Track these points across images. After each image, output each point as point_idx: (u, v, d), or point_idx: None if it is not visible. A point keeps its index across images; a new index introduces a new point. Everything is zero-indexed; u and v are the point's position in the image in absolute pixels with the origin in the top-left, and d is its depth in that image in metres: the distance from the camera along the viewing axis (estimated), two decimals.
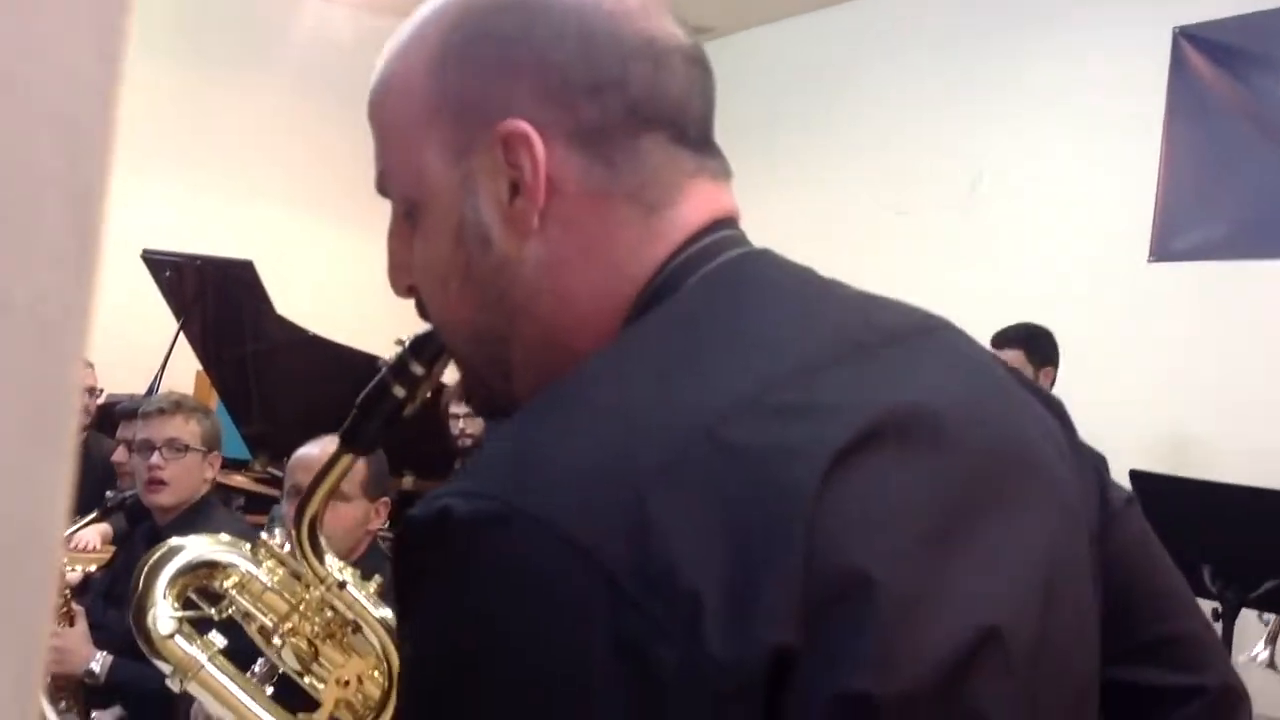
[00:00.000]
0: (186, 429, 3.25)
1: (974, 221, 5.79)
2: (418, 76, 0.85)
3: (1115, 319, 5.08)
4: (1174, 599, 0.97)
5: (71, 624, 2.84)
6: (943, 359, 0.85)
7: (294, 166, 7.03)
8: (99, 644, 2.85)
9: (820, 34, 6.75)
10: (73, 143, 0.36)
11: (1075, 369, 4.31)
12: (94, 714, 2.91)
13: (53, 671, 2.78)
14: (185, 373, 5.61)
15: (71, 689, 2.88)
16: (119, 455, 4.16)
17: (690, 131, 0.84)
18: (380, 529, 2.98)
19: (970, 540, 0.75)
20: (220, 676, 1.50)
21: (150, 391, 4.88)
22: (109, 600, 3.07)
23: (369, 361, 1.11)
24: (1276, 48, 4.80)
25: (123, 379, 5.21)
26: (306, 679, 1.49)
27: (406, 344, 1.06)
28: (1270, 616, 3.56)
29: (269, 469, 4.92)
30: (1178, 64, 5.08)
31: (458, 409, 4.13)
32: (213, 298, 4.92)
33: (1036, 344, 4.18)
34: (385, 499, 2.96)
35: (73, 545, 4.01)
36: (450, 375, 0.96)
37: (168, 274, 4.98)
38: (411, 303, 0.92)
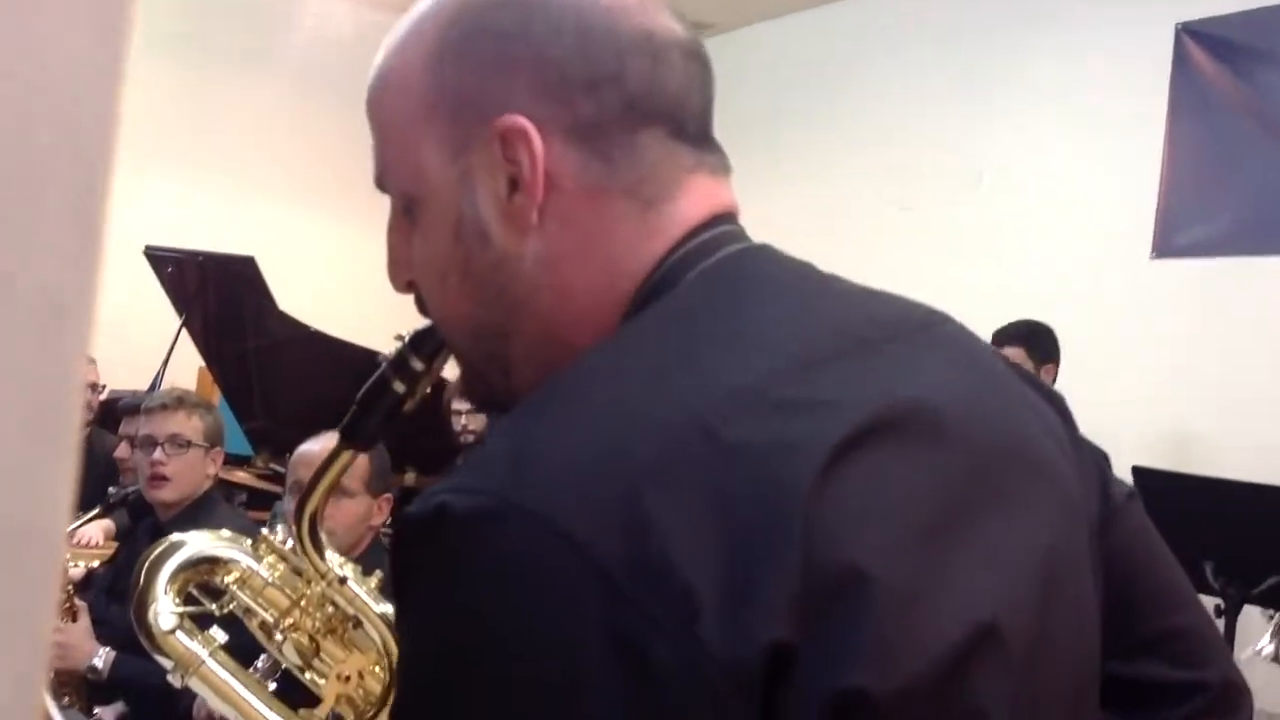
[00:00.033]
0: (189, 425, 3.25)
1: (976, 218, 5.79)
2: (415, 72, 0.85)
3: (1117, 316, 5.08)
4: (1175, 594, 0.97)
5: (74, 620, 2.85)
6: (943, 354, 0.85)
7: (295, 163, 7.03)
8: (102, 639, 2.85)
9: (822, 30, 6.74)
10: (75, 134, 0.36)
11: (1078, 366, 4.30)
12: (97, 710, 2.92)
13: (56, 667, 2.79)
14: (187, 368, 5.61)
15: (74, 685, 2.88)
16: (121, 451, 4.16)
17: (689, 126, 0.84)
18: (383, 525, 2.98)
19: (969, 536, 0.75)
20: (221, 672, 1.50)
21: (153, 387, 4.89)
22: (112, 596, 3.07)
23: (371, 357, 1.11)
24: (1279, 44, 4.80)
25: (125, 375, 5.21)
26: (308, 674, 1.50)
27: (406, 339, 1.07)
28: (1275, 612, 3.56)
29: (271, 465, 4.92)
30: (1180, 60, 5.07)
31: (460, 405, 4.12)
32: (214, 293, 4.92)
33: (1037, 341, 4.18)
34: (388, 495, 2.96)
35: (75, 541, 4.01)
36: (452, 371, 0.96)
37: (169, 270, 4.98)
38: (413, 298, 0.92)
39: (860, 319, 0.83)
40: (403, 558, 0.70)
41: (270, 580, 1.54)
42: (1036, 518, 0.81)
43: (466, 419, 4.31)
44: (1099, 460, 0.96)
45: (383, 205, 0.91)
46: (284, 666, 1.56)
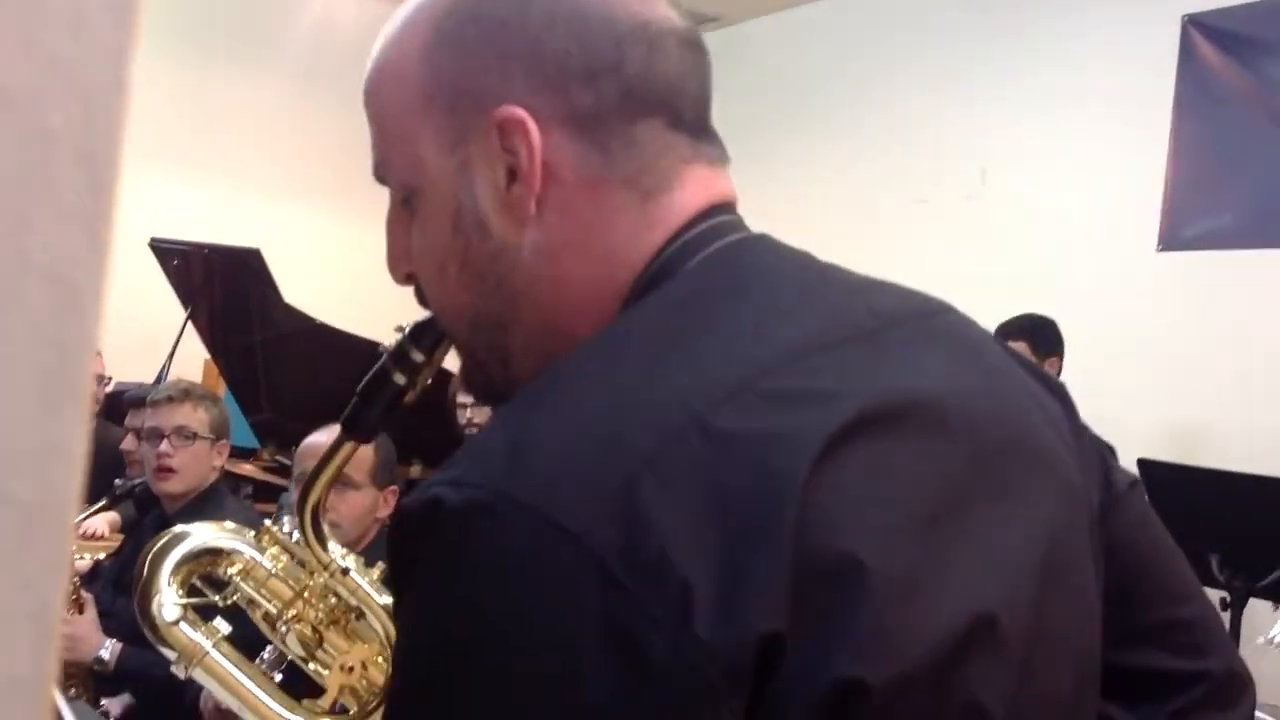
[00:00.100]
0: (195, 417, 3.25)
1: (982, 210, 5.78)
2: (411, 63, 0.84)
3: (1123, 308, 5.07)
4: (1178, 583, 0.97)
5: (81, 611, 2.85)
6: (943, 344, 0.85)
7: (299, 157, 7.03)
8: (108, 632, 2.85)
9: (825, 23, 6.73)
10: (86, 100, 0.36)
11: (1083, 358, 4.29)
12: (103, 701, 2.93)
13: (63, 659, 2.79)
14: (193, 361, 5.62)
15: (81, 676, 2.89)
16: (128, 443, 4.17)
17: (686, 116, 0.84)
18: (389, 517, 2.99)
19: (968, 526, 0.75)
20: (225, 663, 1.50)
21: (158, 380, 4.90)
22: (118, 588, 3.08)
23: (376, 349, 1.11)
24: None
25: (131, 367, 5.22)
26: (311, 665, 1.50)
27: (406, 331, 1.07)
28: None
29: (277, 457, 4.93)
30: (1186, 52, 5.06)
31: (465, 398, 4.13)
32: (220, 286, 4.92)
33: (1042, 334, 4.17)
34: (394, 487, 2.96)
35: (81, 533, 4.02)
36: (456, 364, 0.96)
37: (175, 262, 4.98)
38: (413, 290, 0.92)
39: (859, 308, 0.83)
40: (400, 550, 0.70)
41: (273, 571, 1.54)
42: (1037, 508, 0.81)
43: (471, 412, 4.31)
44: (1101, 449, 0.96)
45: (386, 199, 0.91)
46: (289, 658, 1.56)
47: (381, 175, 0.89)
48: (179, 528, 1.64)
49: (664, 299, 0.79)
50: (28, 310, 0.35)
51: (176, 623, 1.52)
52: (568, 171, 0.81)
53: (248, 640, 1.59)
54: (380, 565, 1.47)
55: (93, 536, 4.15)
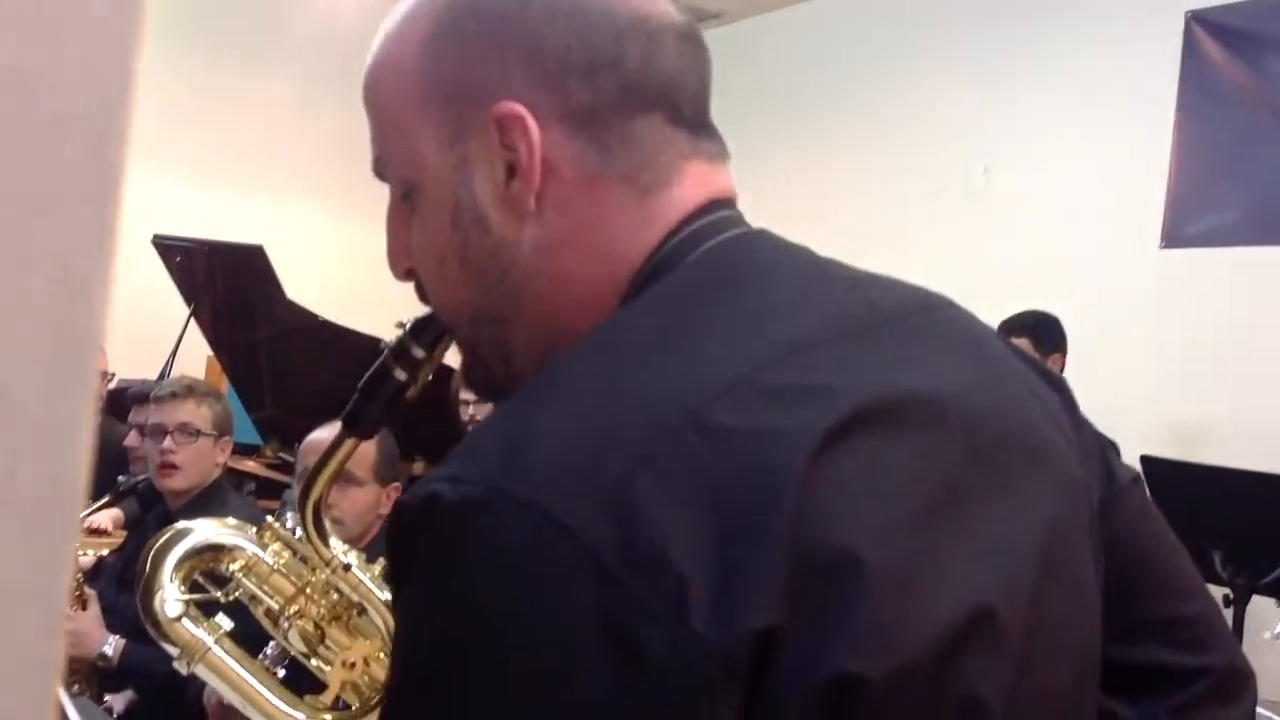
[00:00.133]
0: (198, 414, 3.26)
1: (985, 207, 5.77)
2: (410, 57, 0.84)
3: (1126, 305, 5.07)
4: (1179, 578, 0.97)
5: (84, 608, 2.85)
6: (943, 339, 0.85)
7: (303, 152, 7.03)
8: (111, 628, 2.85)
9: (829, 19, 6.73)
10: (94, 88, 0.36)
11: (1086, 356, 4.29)
12: (106, 697, 2.93)
13: (66, 655, 2.80)
14: (196, 357, 5.62)
15: (84, 672, 2.89)
16: (131, 440, 4.17)
17: (685, 111, 0.84)
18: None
19: (967, 520, 0.74)
20: (227, 659, 1.50)
21: (162, 376, 4.89)
22: (121, 584, 3.08)
23: (378, 346, 1.11)
24: None
25: (134, 364, 5.21)
26: (314, 661, 1.50)
27: (407, 327, 1.07)
28: None
29: (280, 454, 4.93)
30: (1190, 48, 5.05)
31: (467, 394, 4.12)
32: (223, 283, 4.92)
33: (1044, 331, 4.17)
34: (397, 483, 2.96)
35: (85, 529, 4.03)
36: (459, 359, 0.96)
37: (178, 259, 4.98)
38: (414, 287, 0.92)
39: (858, 303, 0.83)
40: (397, 547, 0.71)
41: (275, 568, 1.54)
42: (1036, 502, 0.81)
43: (474, 408, 4.30)
44: (1102, 443, 0.95)
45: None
46: (291, 654, 1.57)
47: (381, 171, 0.89)
48: (181, 524, 1.64)
49: (661, 294, 0.79)
50: (35, 296, 0.35)
51: (179, 619, 1.52)
52: (567, 167, 0.81)
53: (250, 636, 1.59)
54: (382, 561, 1.47)
55: (96, 533, 4.15)
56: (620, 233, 0.82)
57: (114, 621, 2.87)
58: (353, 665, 1.45)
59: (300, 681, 1.55)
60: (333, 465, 1.25)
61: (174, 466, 3.18)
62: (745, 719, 0.63)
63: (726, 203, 0.86)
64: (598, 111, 0.81)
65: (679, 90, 0.84)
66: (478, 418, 4.24)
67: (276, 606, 1.52)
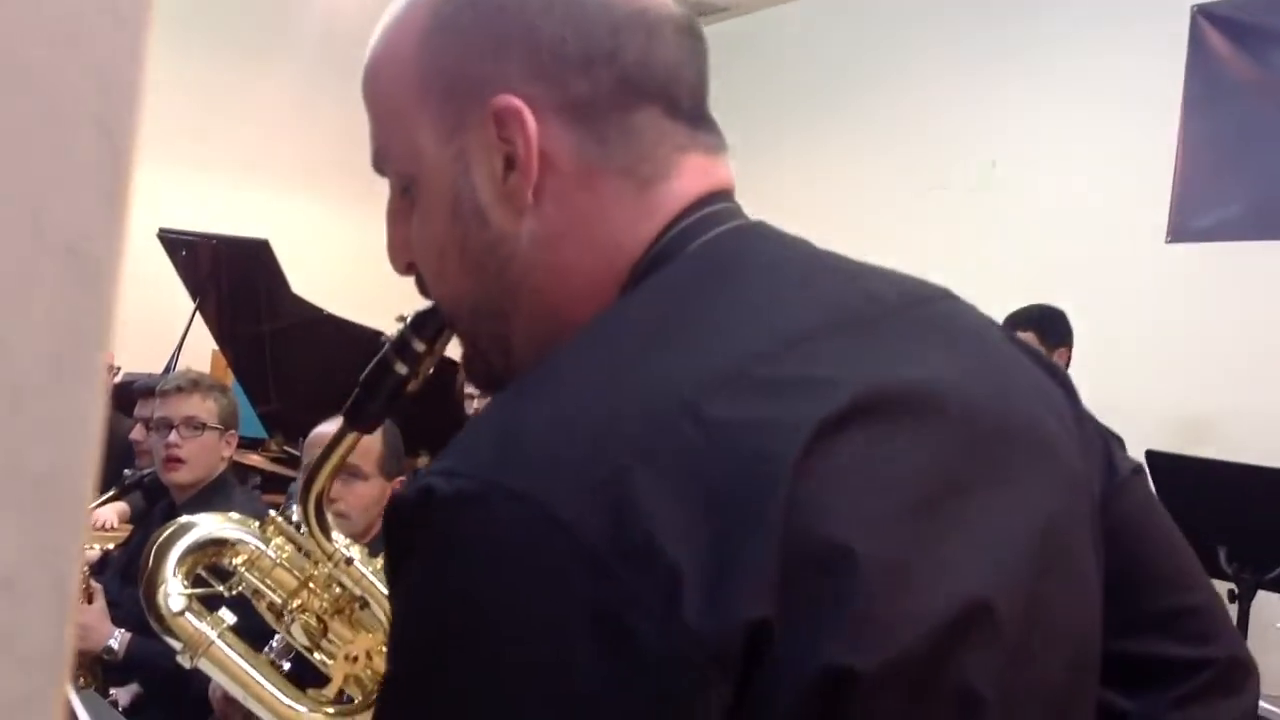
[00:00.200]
0: (204, 407, 3.26)
1: (990, 202, 5.77)
2: (408, 50, 0.84)
3: (1132, 300, 5.06)
4: (1182, 570, 0.97)
5: (90, 601, 2.86)
6: (942, 330, 0.85)
7: (309, 146, 7.03)
8: (116, 621, 2.86)
9: (836, 13, 6.72)
10: (103, 73, 0.36)
11: (1092, 350, 4.29)
12: (112, 690, 2.93)
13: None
14: (202, 351, 5.63)
15: (89, 666, 2.89)
16: (136, 433, 4.18)
17: (683, 104, 0.84)
18: None
19: (963, 512, 0.74)
20: (230, 653, 1.51)
21: (167, 370, 4.90)
22: (126, 578, 3.08)
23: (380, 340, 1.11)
24: None
25: (140, 357, 5.23)
26: (317, 655, 1.50)
27: (408, 321, 1.06)
28: None
29: (285, 448, 4.94)
30: (1196, 43, 5.04)
31: (472, 388, 4.13)
32: (228, 276, 4.93)
33: (1050, 325, 4.16)
34: (402, 478, 2.97)
35: (90, 523, 4.03)
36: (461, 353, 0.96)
37: (183, 253, 4.99)
38: (415, 280, 0.92)
39: (856, 295, 0.83)
40: (392, 541, 0.71)
41: (278, 562, 1.54)
42: (1035, 494, 0.80)
43: (479, 402, 4.31)
44: (1105, 436, 0.95)
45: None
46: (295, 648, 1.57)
47: (380, 165, 0.89)
48: (184, 519, 1.64)
49: (658, 287, 0.79)
50: (45, 282, 0.35)
51: (182, 613, 1.52)
52: (565, 160, 0.81)
53: (253, 631, 1.59)
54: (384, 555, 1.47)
55: (102, 527, 4.16)
56: (619, 225, 0.82)
57: (119, 615, 2.87)
58: (355, 659, 1.45)
59: (304, 675, 1.55)
60: (334, 459, 1.25)
61: (179, 460, 3.18)
62: (738, 711, 0.63)
63: (725, 195, 0.86)
64: (595, 104, 0.81)
65: (677, 83, 0.84)
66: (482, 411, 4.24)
67: (279, 601, 1.52)
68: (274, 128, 7.00)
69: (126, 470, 3.88)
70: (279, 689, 1.50)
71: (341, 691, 1.47)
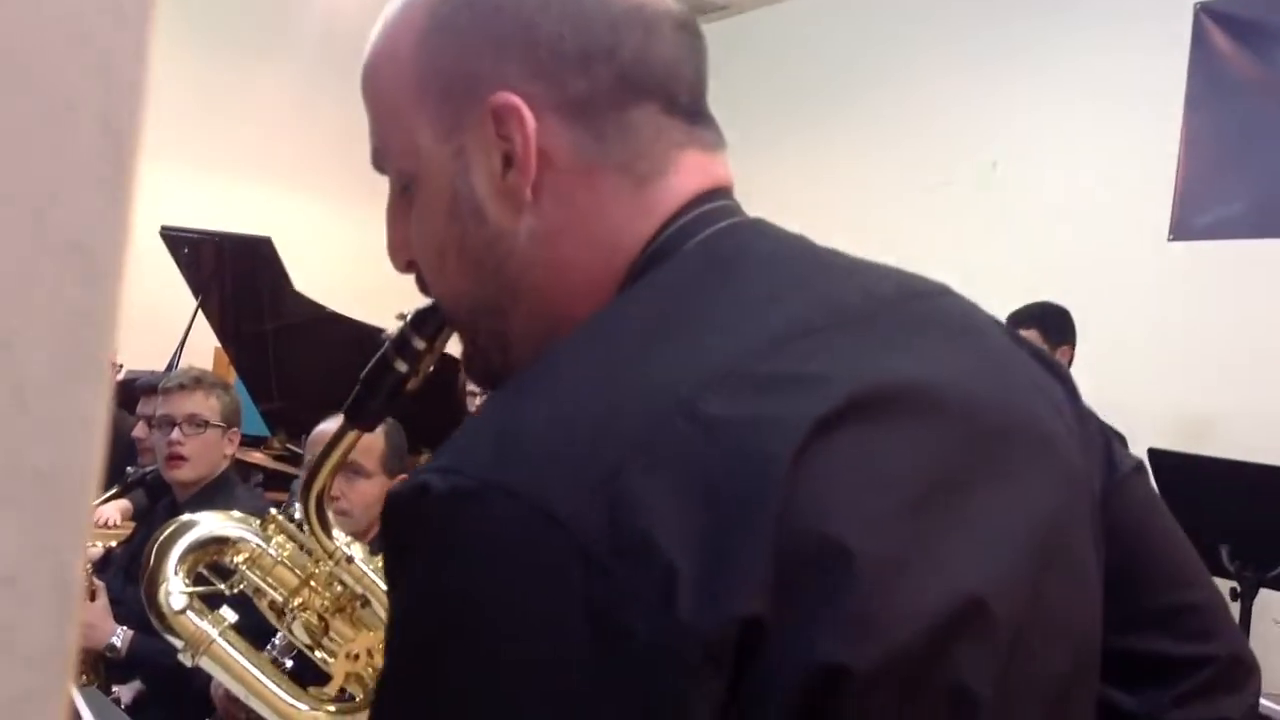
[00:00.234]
0: (206, 405, 3.26)
1: (993, 200, 5.76)
2: (406, 48, 0.84)
3: (1135, 298, 5.06)
4: (1183, 567, 0.97)
5: (93, 599, 2.86)
6: (941, 326, 0.85)
7: (311, 144, 7.04)
8: (119, 619, 2.86)
9: (837, 12, 6.71)
10: (107, 69, 0.36)
11: (1095, 348, 4.29)
12: (114, 688, 2.94)
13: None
14: (204, 349, 5.63)
15: (92, 663, 2.90)
16: (139, 431, 4.18)
17: (681, 100, 0.84)
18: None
19: (958, 510, 0.74)
20: (230, 651, 1.51)
21: (170, 367, 4.91)
22: (129, 576, 3.09)
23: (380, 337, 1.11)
24: None
25: (142, 355, 5.23)
26: (318, 653, 1.50)
27: (408, 319, 1.07)
28: None
29: (287, 446, 4.94)
30: (1199, 40, 5.03)
31: (475, 386, 4.13)
32: (231, 274, 4.93)
33: (1053, 323, 4.16)
34: (404, 475, 2.97)
35: (93, 521, 4.03)
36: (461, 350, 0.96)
37: (186, 251, 4.99)
38: (415, 278, 0.92)
39: (854, 291, 0.83)
40: (389, 538, 0.71)
41: (279, 560, 1.55)
42: (1033, 492, 0.80)
43: (481, 400, 4.31)
44: (1105, 433, 0.95)
45: None
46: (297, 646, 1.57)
47: (380, 164, 0.89)
48: (185, 517, 1.65)
49: (655, 285, 0.79)
50: (49, 278, 0.35)
51: (183, 611, 1.52)
52: (563, 158, 0.81)
53: (255, 629, 1.59)
54: None
55: (104, 525, 4.16)
56: (617, 222, 0.82)
57: (121, 613, 2.87)
58: (356, 657, 1.45)
59: (305, 673, 1.55)
60: (335, 457, 1.25)
61: (182, 458, 3.19)
62: (732, 707, 0.63)
63: (723, 192, 0.86)
64: (593, 101, 0.81)
65: (675, 79, 0.84)
66: None
67: (280, 599, 1.53)
68: (275, 126, 7.01)
69: (129, 468, 3.88)
70: (280, 687, 1.50)
71: (343, 689, 1.48)
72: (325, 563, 1.46)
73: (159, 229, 4.95)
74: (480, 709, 0.65)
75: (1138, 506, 0.94)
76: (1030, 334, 3.96)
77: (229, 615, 1.55)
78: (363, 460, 2.78)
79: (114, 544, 3.65)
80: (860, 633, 0.66)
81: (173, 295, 5.16)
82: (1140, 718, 0.91)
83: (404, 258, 0.90)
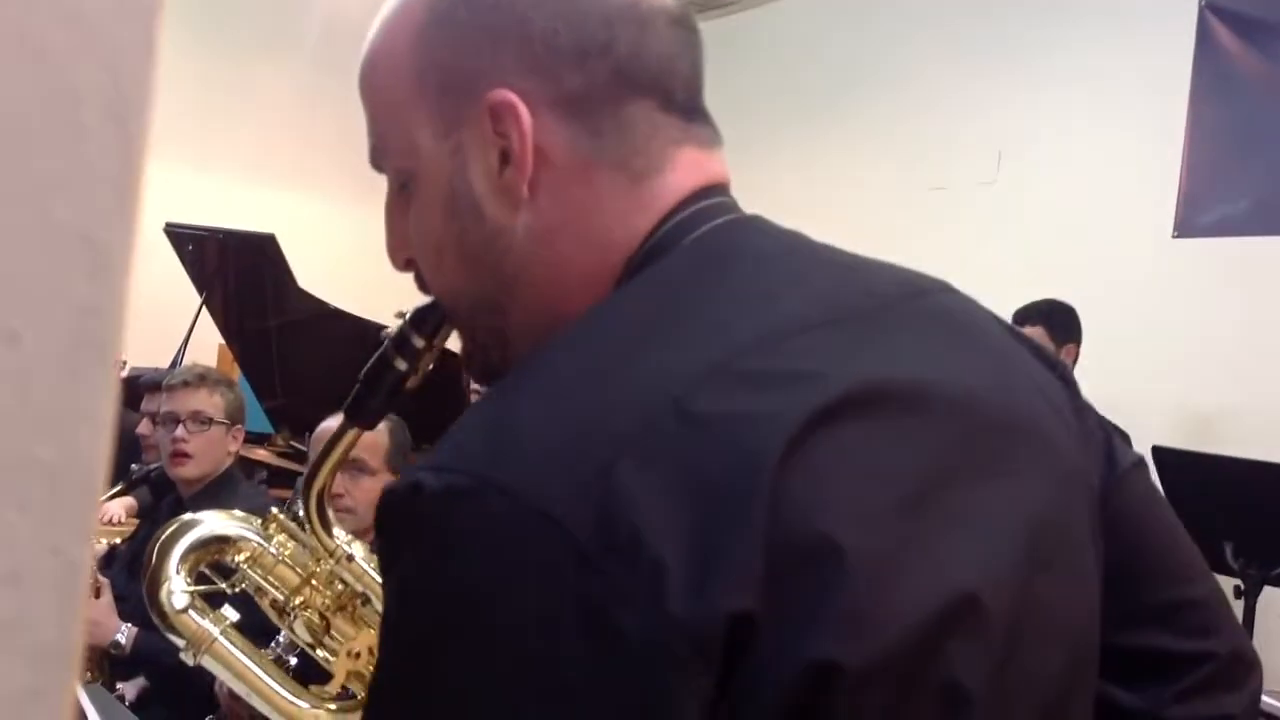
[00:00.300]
0: (210, 402, 3.27)
1: (997, 198, 5.76)
2: (404, 47, 0.85)
3: (1139, 295, 5.05)
4: (1183, 563, 0.96)
5: (97, 596, 2.86)
6: (938, 323, 0.85)
7: (315, 141, 7.03)
8: (123, 616, 2.86)
9: (837, 8, 6.71)
10: (114, 60, 0.36)
11: (1099, 345, 4.28)
12: (118, 685, 2.94)
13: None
14: (208, 346, 5.64)
15: (96, 660, 2.90)
16: (143, 428, 4.19)
17: (678, 97, 0.84)
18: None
19: (954, 507, 0.74)
20: (232, 649, 1.50)
21: (174, 365, 4.91)
22: (133, 573, 3.09)
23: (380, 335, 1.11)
24: None
25: (146, 352, 5.23)
26: (320, 652, 1.50)
27: (407, 317, 1.07)
28: None
29: (291, 443, 4.94)
30: (1204, 38, 5.02)
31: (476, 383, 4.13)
32: (235, 271, 4.92)
33: (1058, 320, 4.15)
34: None
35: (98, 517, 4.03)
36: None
37: (190, 248, 4.99)
38: (414, 276, 0.92)
39: (851, 288, 0.83)
40: (382, 535, 0.71)
41: (280, 558, 1.55)
42: (1029, 488, 0.80)
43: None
44: (1106, 429, 0.95)
45: None
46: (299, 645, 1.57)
47: (378, 162, 0.89)
48: (187, 516, 1.65)
49: (651, 281, 0.79)
50: (57, 272, 0.35)
51: (185, 610, 1.52)
52: (559, 154, 0.81)
53: (257, 627, 1.59)
54: None
55: (109, 521, 4.16)
56: (613, 219, 0.82)
57: (126, 609, 2.88)
58: (357, 655, 1.45)
59: (307, 672, 1.55)
60: (335, 456, 1.25)
61: (186, 455, 3.19)
62: (723, 704, 0.63)
63: (720, 189, 0.86)
64: (589, 97, 0.81)
65: (671, 75, 0.84)
66: None
67: (282, 598, 1.53)
68: (277, 124, 7.01)
69: (133, 465, 3.88)
70: (281, 685, 1.50)
71: (344, 687, 1.48)
72: (326, 561, 1.46)
73: (163, 226, 4.94)
74: (474, 707, 0.65)
75: (1138, 502, 0.94)
76: (1036, 331, 3.96)
77: (231, 614, 1.55)
78: (367, 457, 2.78)
79: (118, 540, 3.65)
80: (852, 629, 0.66)
81: (177, 292, 5.16)
82: (1140, 714, 0.91)
83: (403, 256, 0.90)
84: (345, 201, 6.95)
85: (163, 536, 1.60)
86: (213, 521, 1.62)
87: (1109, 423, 0.97)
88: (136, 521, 4.05)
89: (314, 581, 1.50)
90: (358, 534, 1.56)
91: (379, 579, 1.45)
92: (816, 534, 0.66)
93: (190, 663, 1.52)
